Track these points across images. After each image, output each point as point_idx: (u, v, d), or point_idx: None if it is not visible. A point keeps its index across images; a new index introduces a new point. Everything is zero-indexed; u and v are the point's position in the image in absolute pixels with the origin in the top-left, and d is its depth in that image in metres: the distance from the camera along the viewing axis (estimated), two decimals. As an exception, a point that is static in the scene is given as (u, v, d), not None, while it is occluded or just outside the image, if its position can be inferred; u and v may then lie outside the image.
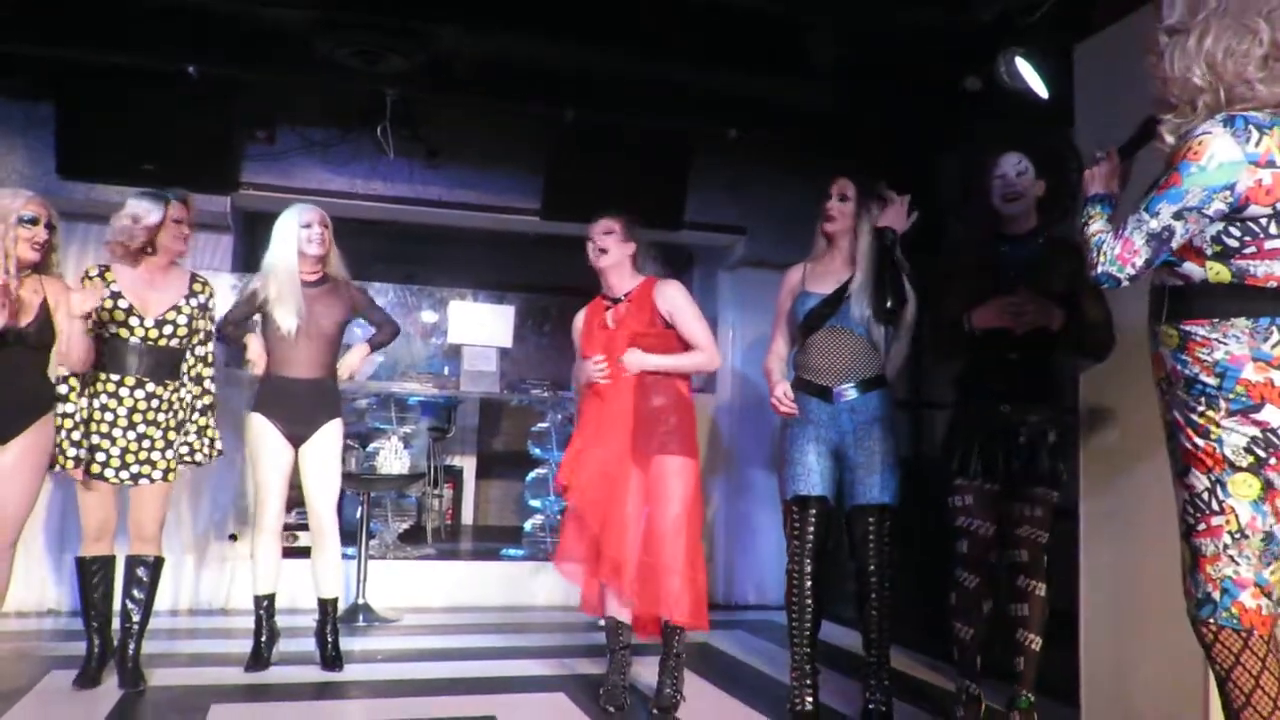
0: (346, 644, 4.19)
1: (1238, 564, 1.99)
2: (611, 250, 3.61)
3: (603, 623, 3.71)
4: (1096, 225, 2.18)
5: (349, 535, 5.07)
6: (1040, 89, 4.13)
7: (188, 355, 3.75)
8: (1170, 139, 2.08)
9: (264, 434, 3.93)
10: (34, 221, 3.28)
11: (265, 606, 4.01)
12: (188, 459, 3.77)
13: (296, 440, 3.97)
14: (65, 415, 3.47)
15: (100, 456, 3.56)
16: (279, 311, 3.88)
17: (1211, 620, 2.01)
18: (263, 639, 3.99)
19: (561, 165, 5.44)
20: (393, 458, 5.27)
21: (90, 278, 3.57)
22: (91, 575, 3.68)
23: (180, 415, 3.73)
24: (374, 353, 4.37)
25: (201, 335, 3.78)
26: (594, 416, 3.60)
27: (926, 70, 4.62)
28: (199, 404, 3.79)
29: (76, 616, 4.14)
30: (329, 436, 4.02)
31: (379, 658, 4.29)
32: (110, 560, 3.71)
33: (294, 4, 4.41)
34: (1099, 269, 2.10)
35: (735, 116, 5.39)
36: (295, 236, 3.94)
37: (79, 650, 3.74)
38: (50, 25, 4.50)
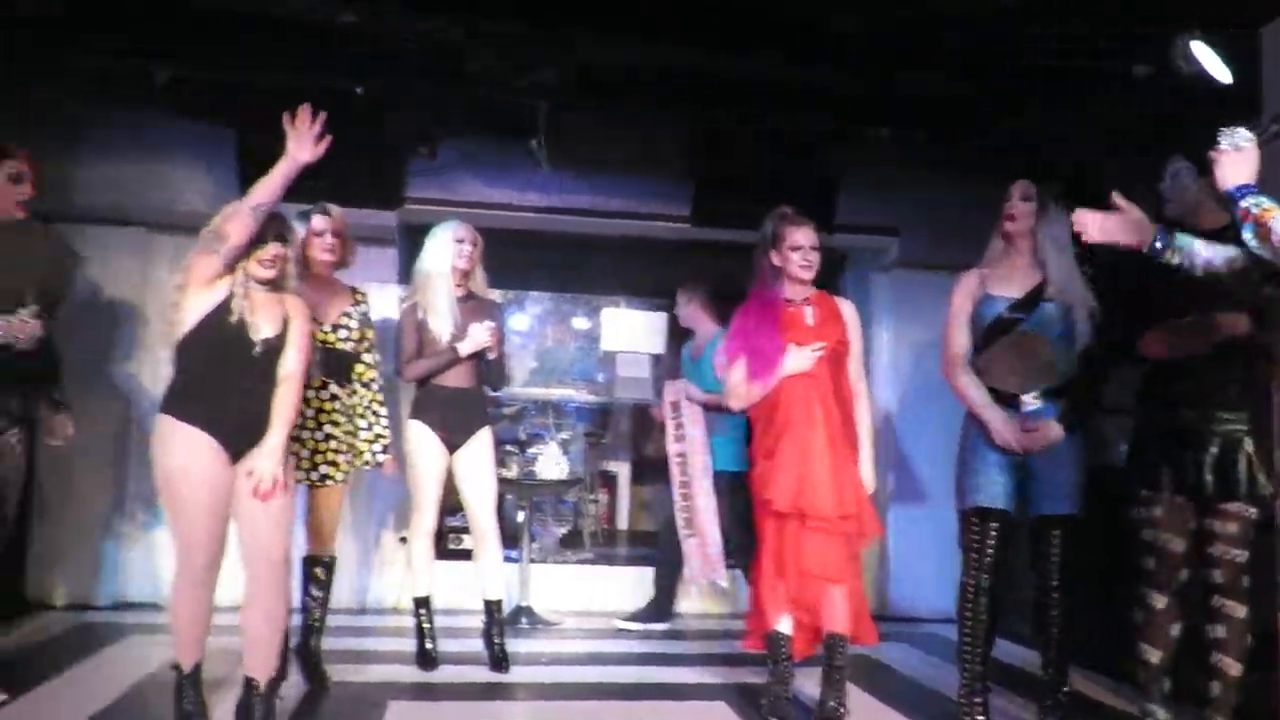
0: (511, 646, 4.28)
1: None
2: (815, 265, 3.58)
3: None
4: None
5: (510, 539, 5.20)
6: (1222, 74, 3.87)
7: (358, 362, 3.91)
8: None
9: (422, 440, 4.07)
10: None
11: (424, 607, 4.15)
12: (363, 462, 3.94)
13: (452, 447, 4.10)
14: None
15: (290, 460, 3.73)
16: (434, 320, 4.02)
17: None
18: (426, 639, 4.12)
19: (710, 170, 5.45)
20: (551, 463, 5.37)
21: None
22: None
23: (355, 420, 3.90)
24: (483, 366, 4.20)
25: (367, 343, 3.93)
26: (804, 419, 3.48)
27: (1094, 60, 4.39)
28: (360, 405, 3.92)
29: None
30: (483, 443, 4.14)
31: (543, 660, 4.38)
32: None
33: (449, 21, 4.54)
34: None
35: (888, 114, 5.25)
36: (450, 250, 4.07)
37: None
38: (228, 54, 4.76)
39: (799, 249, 3.57)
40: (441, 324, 4.02)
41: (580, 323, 7.88)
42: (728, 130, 5.26)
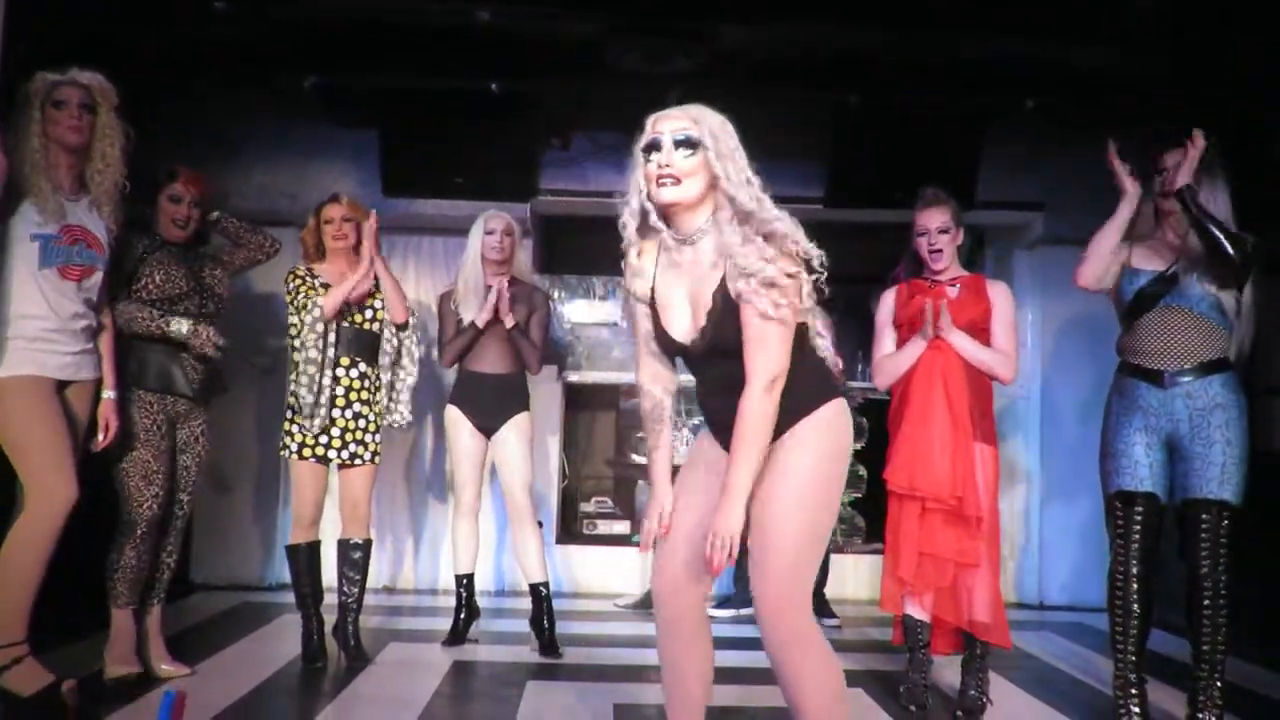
0: (630, 629, 4.34)
1: None
2: (946, 249, 3.50)
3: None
4: None
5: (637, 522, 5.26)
6: None
7: (384, 344, 3.96)
8: None
9: (458, 426, 4.21)
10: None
11: (465, 585, 4.26)
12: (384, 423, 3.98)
13: (487, 432, 4.20)
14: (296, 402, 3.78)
15: (324, 439, 3.81)
16: (463, 309, 4.15)
17: None
18: (461, 616, 4.25)
19: (845, 151, 5.35)
20: (682, 447, 5.41)
21: (299, 276, 3.89)
22: (303, 560, 3.88)
23: (381, 400, 3.95)
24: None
25: (392, 325, 3.97)
26: (924, 396, 3.40)
27: (1265, 19, 4.10)
28: (386, 377, 3.97)
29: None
30: (517, 427, 4.21)
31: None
32: (318, 545, 3.92)
33: (585, 16, 4.59)
34: None
35: (1032, 85, 5.04)
36: (480, 242, 4.17)
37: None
38: (371, 59, 4.95)
39: (924, 234, 3.51)
40: (467, 310, 4.15)
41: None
42: (863, 108, 5.14)
